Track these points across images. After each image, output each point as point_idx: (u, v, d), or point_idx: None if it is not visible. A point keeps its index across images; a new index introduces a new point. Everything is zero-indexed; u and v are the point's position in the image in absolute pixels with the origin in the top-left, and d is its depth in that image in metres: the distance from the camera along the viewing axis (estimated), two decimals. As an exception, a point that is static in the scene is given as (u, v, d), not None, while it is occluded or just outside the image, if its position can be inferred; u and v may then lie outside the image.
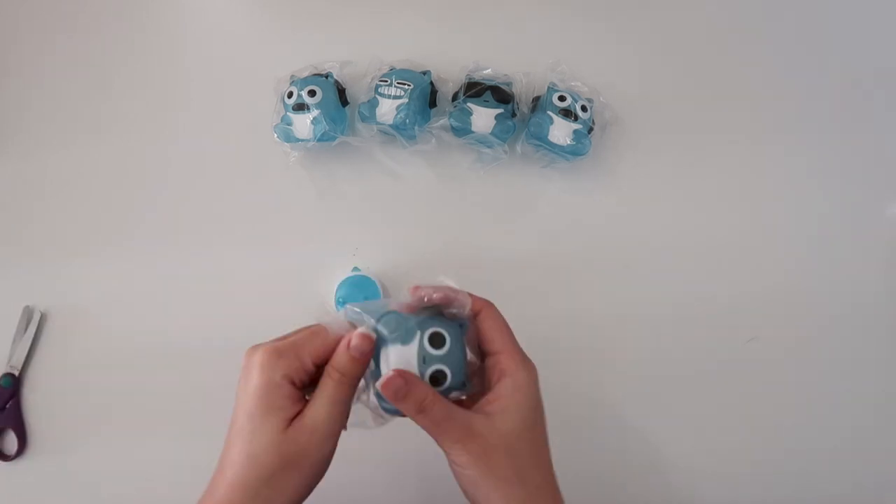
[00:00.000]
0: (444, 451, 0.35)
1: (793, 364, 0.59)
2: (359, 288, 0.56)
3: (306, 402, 0.34)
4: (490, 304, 0.37)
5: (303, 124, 0.59)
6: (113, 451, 0.55)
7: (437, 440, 0.35)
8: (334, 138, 0.60)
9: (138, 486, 0.54)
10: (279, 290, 0.58)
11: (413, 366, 0.34)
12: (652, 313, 0.60)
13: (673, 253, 0.62)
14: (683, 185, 0.64)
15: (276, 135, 0.60)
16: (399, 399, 0.33)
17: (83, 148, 0.64)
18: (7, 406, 0.54)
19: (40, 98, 0.65)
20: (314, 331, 0.35)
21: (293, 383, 0.34)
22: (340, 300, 0.55)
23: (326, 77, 0.61)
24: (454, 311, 0.36)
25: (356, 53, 0.64)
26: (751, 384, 0.58)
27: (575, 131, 0.60)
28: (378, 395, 0.35)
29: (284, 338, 0.35)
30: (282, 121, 0.60)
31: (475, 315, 0.37)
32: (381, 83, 0.61)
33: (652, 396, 0.58)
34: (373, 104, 0.60)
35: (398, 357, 0.34)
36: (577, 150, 0.60)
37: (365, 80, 0.63)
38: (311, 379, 0.35)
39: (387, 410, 0.35)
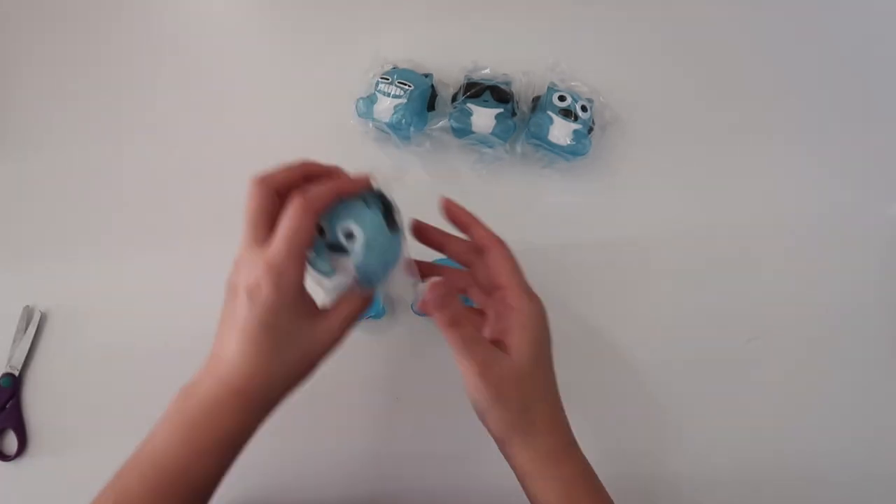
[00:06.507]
0: (463, 372, 0.37)
1: (793, 364, 0.59)
2: (359, 288, 0.56)
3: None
4: (499, 243, 0.41)
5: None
6: (113, 451, 0.54)
7: (460, 360, 0.37)
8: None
9: (138, 486, 0.54)
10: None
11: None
12: (651, 313, 0.60)
13: (673, 253, 0.62)
14: (683, 185, 0.64)
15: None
16: (438, 307, 0.36)
17: (83, 148, 0.64)
18: (7, 406, 0.55)
19: (41, 98, 0.65)
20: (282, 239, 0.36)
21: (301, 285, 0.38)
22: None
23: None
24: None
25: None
26: (751, 384, 0.58)
27: (575, 131, 0.60)
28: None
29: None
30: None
31: (484, 252, 0.41)
32: (382, 81, 0.61)
33: (652, 396, 0.58)
34: (371, 100, 0.60)
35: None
36: (577, 150, 0.60)
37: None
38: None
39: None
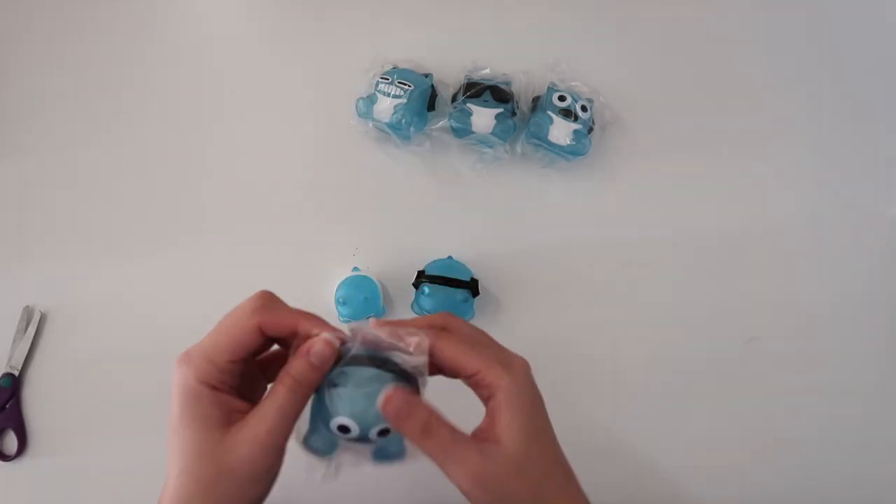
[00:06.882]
0: (452, 480, 0.32)
1: (793, 364, 0.59)
2: (358, 288, 0.56)
3: (250, 405, 0.32)
4: (440, 334, 0.34)
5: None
6: (113, 451, 0.55)
7: (444, 469, 0.32)
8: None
9: (138, 486, 0.54)
10: (279, 290, 0.57)
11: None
12: (651, 313, 0.60)
13: (672, 253, 0.62)
14: (683, 185, 0.64)
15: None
16: (402, 419, 0.31)
17: (83, 148, 0.63)
18: (7, 406, 0.55)
19: (42, 98, 0.65)
20: (220, 328, 0.34)
21: (213, 387, 0.32)
22: (340, 300, 0.55)
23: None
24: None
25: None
26: (751, 384, 0.58)
27: (575, 131, 0.60)
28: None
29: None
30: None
31: (431, 350, 0.33)
32: (383, 81, 0.61)
33: (651, 396, 0.58)
34: (371, 100, 0.60)
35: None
36: (577, 150, 0.60)
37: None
38: (238, 377, 0.33)
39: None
